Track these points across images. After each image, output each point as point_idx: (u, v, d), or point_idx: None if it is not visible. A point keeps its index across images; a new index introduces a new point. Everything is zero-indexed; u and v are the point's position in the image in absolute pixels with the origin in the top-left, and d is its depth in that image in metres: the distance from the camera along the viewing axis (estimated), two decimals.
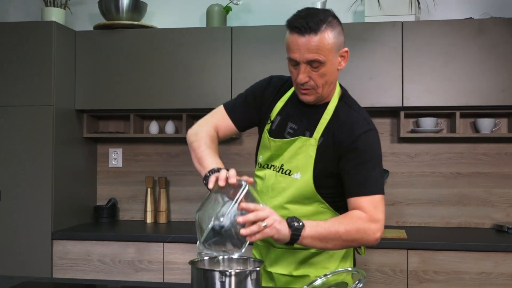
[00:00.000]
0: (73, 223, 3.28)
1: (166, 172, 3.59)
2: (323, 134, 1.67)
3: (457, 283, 2.74)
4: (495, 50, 2.99)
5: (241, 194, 1.43)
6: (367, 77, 3.06)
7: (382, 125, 3.37)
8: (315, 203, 1.69)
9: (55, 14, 3.29)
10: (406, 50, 3.05)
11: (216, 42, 3.19)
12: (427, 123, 3.19)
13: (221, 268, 1.50)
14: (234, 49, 3.18)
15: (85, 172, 3.50)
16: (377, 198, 1.59)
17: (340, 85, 1.77)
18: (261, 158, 1.79)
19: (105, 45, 3.28)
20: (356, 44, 3.04)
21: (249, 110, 1.81)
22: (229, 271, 1.38)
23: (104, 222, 3.44)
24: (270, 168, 1.75)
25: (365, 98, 3.03)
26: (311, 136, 1.68)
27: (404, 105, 3.05)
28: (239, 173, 1.49)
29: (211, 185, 1.46)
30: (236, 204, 1.42)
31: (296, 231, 1.45)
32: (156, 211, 3.49)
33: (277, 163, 1.74)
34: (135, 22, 3.30)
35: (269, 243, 1.78)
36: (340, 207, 1.68)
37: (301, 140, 1.68)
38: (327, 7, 3.13)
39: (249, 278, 1.39)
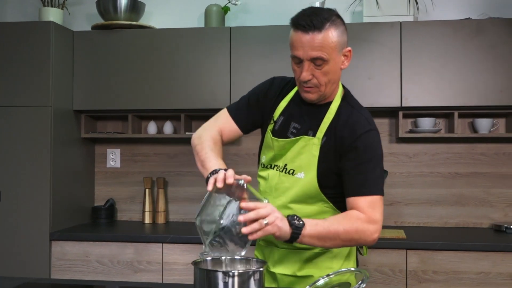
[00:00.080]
0: (71, 224, 3.27)
1: (165, 172, 3.59)
2: (326, 134, 1.67)
3: (456, 283, 2.75)
4: (493, 50, 3.00)
5: (240, 193, 1.43)
6: (365, 77, 3.06)
7: (381, 125, 3.37)
8: (319, 202, 1.69)
9: (53, 14, 3.28)
10: (404, 50, 3.05)
11: (214, 42, 3.19)
12: (426, 123, 3.20)
13: (224, 269, 1.50)
14: (232, 50, 3.17)
15: (83, 173, 3.48)
16: (376, 199, 1.60)
17: (343, 85, 1.77)
18: (264, 159, 1.80)
19: (103, 45, 3.27)
20: (354, 44, 3.01)
21: (252, 112, 1.81)
22: (233, 271, 1.38)
23: (102, 223, 3.42)
24: (273, 168, 1.76)
25: (364, 98, 3.01)
26: (314, 135, 1.68)
27: (403, 105, 3.06)
28: (238, 174, 1.49)
29: (210, 187, 1.46)
30: (236, 204, 1.42)
31: (296, 230, 1.45)
32: (154, 212, 3.48)
33: (280, 163, 1.74)
34: (133, 22, 3.29)
35: (273, 243, 1.78)
36: (343, 207, 1.68)
37: (304, 140, 1.69)
38: (326, 7, 3.13)
39: (252, 279, 1.38)
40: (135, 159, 3.62)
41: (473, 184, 3.32)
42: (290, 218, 1.46)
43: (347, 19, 3.42)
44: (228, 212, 1.43)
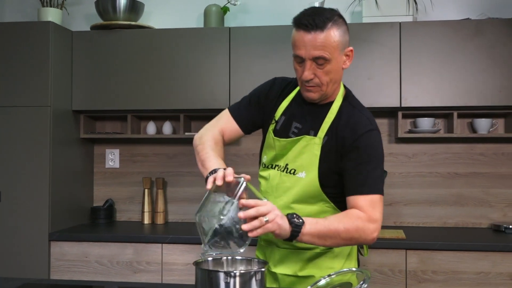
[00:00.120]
0: (70, 224, 3.26)
1: (164, 173, 3.58)
2: (328, 133, 1.68)
3: (455, 283, 2.75)
4: (492, 50, 3.01)
5: (239, 191, 1.43)
6: (365, 78, 3.06)
7: (380, 125, 3.37)
8: (320, 202, 1.69)
9: (52, 14, 3.27)
10: (404, 50, 3.05)
11: (214, 42, 3.19)
12: (425, 123, 3.20)
13: (225, 269, 1.50)
14: (232, 50, 3.17)
15: (82, 173, 3.48)
16: (376, 198, 1.60)
17: (344, 86, 1.78)
18: (265, 159, 1.80)
19: (102, 46, 3.27)
20: (353, 45, 2.97)
21: (253, 112, 1.82)
22: (234, 271, 1.38)
23: (101, 223, 3.42)
24: (274, 168, 1.76)
25: (363, 98, 2.96)
26: (315, 135, 1.69)
27: (402, 105, 3.06)
28: (238, 174, 1.49)
29: (209, 185, 1.47)
30: (236, 202, 1.43)
31: (296, 228, 1.45)
32: (153, 212, 3.47)
33: (281, 163, 1.74)
34: (132, 23, 3.28)
35: (274, 243, 1.78)
36: (344, 206, 1.68)
37: (305, 139, 1.69)
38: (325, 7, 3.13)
39: (253, 279, 1.39)
40: (134, 160, 3.62)
41: (472, 184, 3.33)
42: (290, 217, 1.46)
43: (346, 19, 3.42)
44: (227, 209, 1.43)
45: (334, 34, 1.58)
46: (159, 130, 3.53)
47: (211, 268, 1.51)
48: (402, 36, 3.06)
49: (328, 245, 1.58)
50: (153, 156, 3.61)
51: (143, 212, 3.46)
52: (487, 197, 3.31)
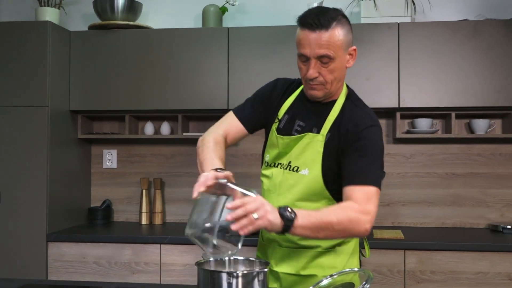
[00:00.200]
0: (67, 225, 3.25)
1: (162, 173, 3.57)
2: (331, 130, 1.69)
3: (454, 283, 2.76)
4: (490, 51, 3.02)
5: (227, 192, 1.42)
6: (363, 78, 3.07)
7: None
8: (323, 200, 1.70)
9: (50, 14, 3.26)
10: (402, 51, 3.06)
11: (212, 42, 3.18)
12: (423, 124, 3.21)
13: (227, 269, 1.50)
14: (230, 50, 3.17)
15: (80, 174, 3.47)
16: (372, 190, 1.59)
17: (347, 85, 1.80)
18: (267, 157, 1.81)
19: (100, 46, 3.26)
20: None
21: (258, 112, 1.83)
22: (237, 272, 1.38)
23: (98, 224, 3.41)
24: (277, 166, 1.77)
25: (362, 98, 3.03)
26: (318, 132, 1.70)
27: (400, 106, 3.07)
28: (237, 174, 1.49)
29: (194, 194, 1.44)
30: (221, 206, 1.41)
31: (288, 222, 1.42)
32: (151, 213, 3.46)
33: (284, 161, 1.75)
34: (130, 22, 3.28)
35: (276, 242, 1.78)
36: None
37: (308, 137, 1.71)
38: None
39: (256, 279, 1.38)
40: (132, 160, 3.61)
41: (469, 184, 3.34)
42: (282, 210, 1.42)
43: None
44: (217, 212, 1.41)
45: (338, 33, 1.61)
46: (157, 131, 3.52)
47: (213, 268, 1.51)
48: (400, 37, 3.06)
49: (321, 237, 1.53)
50: (151, 157, 3.60)
51: (141, 212, 3.45)
52: (485, 197, 3.32)
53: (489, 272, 2.74)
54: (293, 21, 3.37)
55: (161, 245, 2.95)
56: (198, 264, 1.47)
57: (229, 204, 1.38)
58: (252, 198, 1.39)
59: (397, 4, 3.12)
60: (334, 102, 1.74)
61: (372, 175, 1.61)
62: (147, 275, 2.96)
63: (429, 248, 2.77)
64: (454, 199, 3.34)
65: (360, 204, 1.56)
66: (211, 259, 1.50)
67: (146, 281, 2.94)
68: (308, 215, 1.47)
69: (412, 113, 3.24)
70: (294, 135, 1.73)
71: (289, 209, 1.43)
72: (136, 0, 3.33)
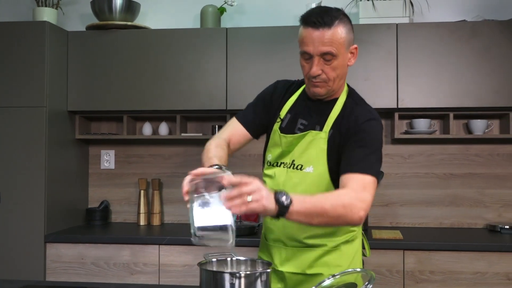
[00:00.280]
0: (65, 226, 3.24)
1: (159, 174, 3.57)
2: (333, 127, 1.72)
3: (453, 283, 2.76)
4: (487, 52, 3.02)
5: (214, 186, 1.40)
6: (362, 78, 3.07)
7: None
8: None
9: (47, 14, 3.25)
10: (400, 51, 3.07)
11: (210, 43, 3.18)
12: (421, 124, 3.22)
13: (230, 270, 1.50)
14: (229, 50, 3.17)
15: (77, 174, 3.45)
16: (368, 179, 1.58)
17: (348, 84, 1.83)
18: (270, 157, 1.82)
19: (97, 46, 3.25)
20: None
21: (261, 115, 1.85)
22: (239, 272, 1.37)
23: (96, 225, 3.40)
24: (280, 165, 1.78)
25: None
26: (321, 129, 1.73)
27: (399, 106, 3.07)
28: (235, 174, 1.46)
29: (187, 202, 1.42)
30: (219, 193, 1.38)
31: (283, 209, 1.38)
32: (149, 213, 3.46)
33: (287, 160, 1.76)
34: (128, 23, 3.27)
35: (281, 241, 1.78)
36: None
37: (311, 134, 1.73)
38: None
39: (259, 280, 1.38)
40: (130, 161, 3.60)
41: (467, 184, 3.35)
42: (279, 196, 1.37)
43: None
44: (209, 205, 1.39)
45: (340, 31, 1.64)
46: (155, 131, 3.52)
47: (215, 269, 1.51)
48: (398, 38, 3.07)
49: (315, 223, 1.48)
50: (149, 157, 3.59)
51: (139, 213, 3.44)
52: (483, 197, 3.33)
53: (487, 272, 2.74)
54: (291, 22, 3.37)
55: (160, 245, 2.95)
56: (201, 264, 1.46)
57: (227, 178, 1.35)
58: (250, 180, 1.34)
59: (395, 5, 3.13)
60: (335, 100, 1.77)
61: (369, 165, 1.61)
62: (145, 276, 2.95)
63: (428, 248, 2.78)
64: (452, 199, 3.35)
65: (356, 191, 1.54)
66: (214, 259, 1.50)
67: (145, 282, 2.93)
68: (303, 201, 1.43)
69: (411, 114, 3.24)
70: (297, 133, 1.75)
71: (285, 194, 1.39)
72: (134, 0, 3.33)
